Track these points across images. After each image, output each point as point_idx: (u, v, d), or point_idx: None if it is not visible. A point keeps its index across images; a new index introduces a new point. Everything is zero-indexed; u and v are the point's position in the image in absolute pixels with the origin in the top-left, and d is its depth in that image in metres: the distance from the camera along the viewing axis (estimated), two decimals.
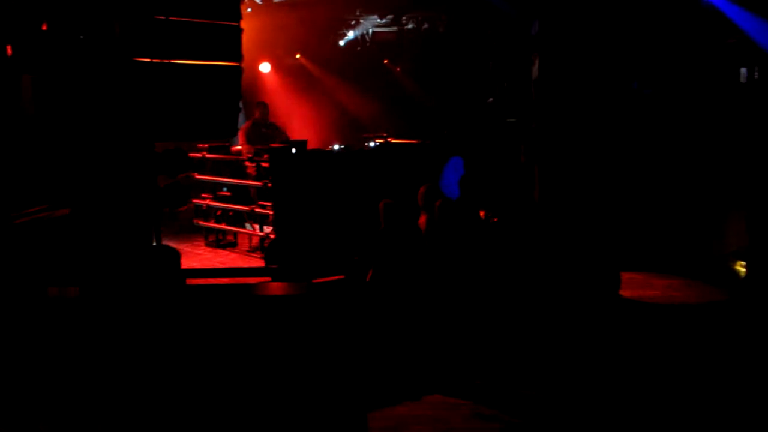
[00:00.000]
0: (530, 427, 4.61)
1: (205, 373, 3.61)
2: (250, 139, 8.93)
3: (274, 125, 9.66)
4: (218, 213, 8.69)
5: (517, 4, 9.30)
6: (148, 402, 3.62)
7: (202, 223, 8.65)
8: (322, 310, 3.69)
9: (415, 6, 11.63)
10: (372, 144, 8.79)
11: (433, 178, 7.83)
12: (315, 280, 5.66)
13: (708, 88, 8.41)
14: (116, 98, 5.61)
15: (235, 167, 8.75)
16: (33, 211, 5.11)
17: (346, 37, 12.48)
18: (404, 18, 12.17)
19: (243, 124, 9.08)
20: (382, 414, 4.69)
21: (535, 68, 9.03)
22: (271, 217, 7.81)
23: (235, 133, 7.10)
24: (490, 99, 10.30)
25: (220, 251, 8.33)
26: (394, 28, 12.45)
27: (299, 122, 11.27)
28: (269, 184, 7.72)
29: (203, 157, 8.51)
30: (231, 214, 8.60)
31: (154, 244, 5.88)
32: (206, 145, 8.55)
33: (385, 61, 12.93)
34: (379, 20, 12.10)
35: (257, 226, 8.08)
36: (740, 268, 7.59)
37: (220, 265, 7.67)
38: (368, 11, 11.74)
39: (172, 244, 8.42)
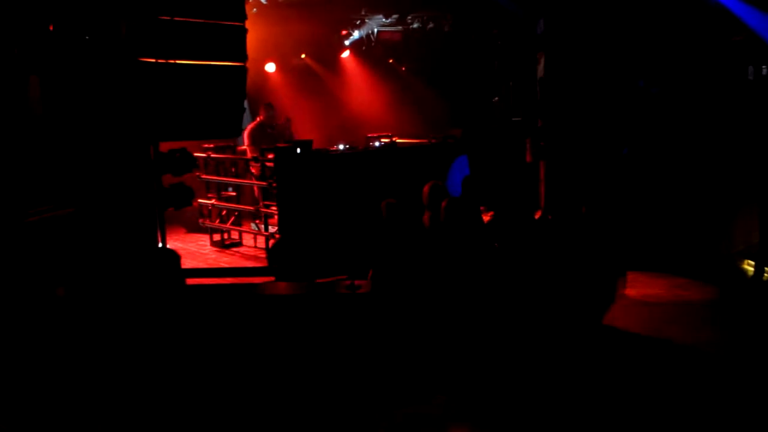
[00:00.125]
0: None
1: (204, 372, 3.62)
2: (255, 140, 8.95)
3: (284, 124, 9.69)
4: (223, 213, 8.72)
5: (522, 3, 9.28)
6: (147, 401, 3.63)
7: (207, 223, 8.68)
8: (323, 310, 3.70)
9: (421, 5, 11.62)
10: (377, 144, 8.78)
11: (439, 178, 7.82)
12: (319, 280, 5.67)
13: (715, 86, 8.37)
14: (122, 98, 5.63)
15: (239, 167, 8.78)
16: (42, 209, 5.14)
17: (351, 37, 12.49)
18: (409, 17, 12.17)
19: (248, 125, 9.10)
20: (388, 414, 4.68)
21: (541, 67, 9.01)
22: (275, 217, 7.82)
23: (239, 133, 7.11)
24: (496, 98, 10.28)
25: (225, 251, 8.35)
26: (400, 28, 12.45)
27: (304, 122, 11.27)
28: (274, 184, 7.73)
29: (208, 157, 8.53)
30: (236, 213, 8.64)
31: (159, 244, 5.90)
32: (212, 145, 8.58)
33: (391, 61, 12.93)
34: (384, 20, 12.10)
35: (262, 226, 8.10)
36: (748, 267, 7.54)
37: (225, 265, 7.68)
38: (373, 11, 11.74)
39: (177, 243, 8.49)
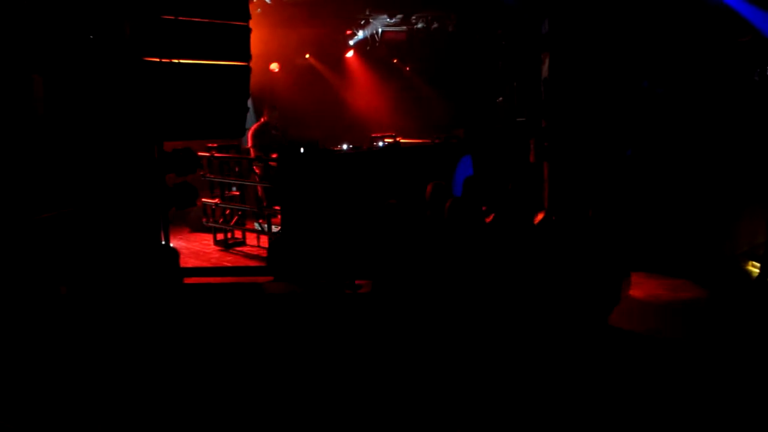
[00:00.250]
0: None
1: (204, 372, 3.62)
2: (258, 140, 8.95)
3: (285, 127, 9.69)
4: (227, 212, 8.72)
5: (526, 2, 9.26)
6: (147, 401, 3.63)
7: (210, 222, 8.69)
8: (323, 310, 3.69)
9: (425, 5, 11.61)
10: (381, 144, 8.77)
11: (443, 178, 7.81)
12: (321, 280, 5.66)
13: (720, 87, 8.33)
14: (125, 97, 5.64)
15: (243, 167, 8.78)
16: (52, 208, 5.16)
17: (355, 37, 12.48)
18: (414, 17, 12.15)
19: (252, 125, 9.11)
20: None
21: (545, 67, 8.98)
22: (279, 217, 7.82)
23: (243, 133, 7.11)
24: (500, 98, 10.26)
25: (229, 251, 8.36)
26: (404, 28, 12.44)
27: (308, 122, 11.27)
28: (278, 184, 7.73)
29: (212, 157, 8.54)
30: (240, 213, 8.64)
31: (162, 243, 5.91)
32: (215, 145, 8.59)
33: (395, 61, 12.92)
34: (388, 20, 12.09)
35: (266, 226, 8.10)
36: (752, 268, 7.52)
37: (228, 265, 7.69)
38: (377, 11, 11.73)
39: (181, 243, 8.50)
